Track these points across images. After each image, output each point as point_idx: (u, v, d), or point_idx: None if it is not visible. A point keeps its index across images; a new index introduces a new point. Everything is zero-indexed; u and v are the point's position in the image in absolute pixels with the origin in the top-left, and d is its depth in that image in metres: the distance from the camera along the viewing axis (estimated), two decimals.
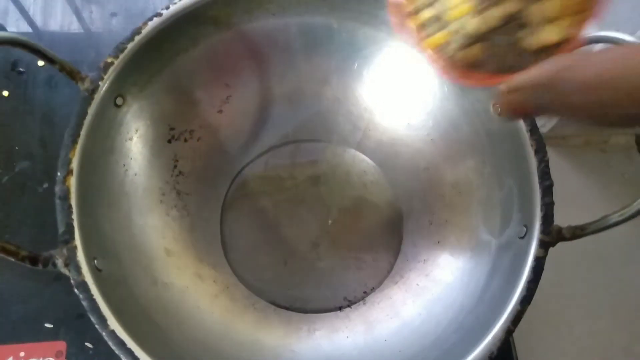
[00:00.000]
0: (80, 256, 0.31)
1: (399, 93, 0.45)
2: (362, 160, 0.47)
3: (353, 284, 0.43)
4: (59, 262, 0.31)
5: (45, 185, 0.50)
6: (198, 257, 0.41)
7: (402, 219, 0.45)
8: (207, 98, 0.43)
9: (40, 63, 0.55)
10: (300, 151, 0.47)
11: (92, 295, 0.30)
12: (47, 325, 0.45)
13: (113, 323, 0.30)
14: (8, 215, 0.49)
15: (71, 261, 0.31)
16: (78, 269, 0.31)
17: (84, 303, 0.30)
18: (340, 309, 0.42)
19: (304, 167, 0.47)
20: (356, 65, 0.45)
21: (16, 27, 0.57)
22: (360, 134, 0.47)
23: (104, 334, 0.30)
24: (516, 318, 0.32)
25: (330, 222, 0.44)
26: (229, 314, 0.39)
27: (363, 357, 0.37)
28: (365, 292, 0.42)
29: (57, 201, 0.32)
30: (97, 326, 0.30)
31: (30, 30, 0.57)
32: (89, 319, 0.44)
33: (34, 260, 0.30)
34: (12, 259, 0.29)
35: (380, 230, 0.45)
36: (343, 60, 0.45)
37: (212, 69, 0.43)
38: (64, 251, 0.31)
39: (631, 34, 0.48)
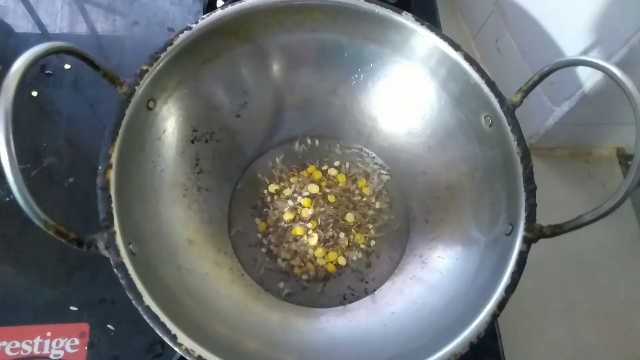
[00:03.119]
0: (119, 240, 0.35)
1: (400, 103, 0.49)
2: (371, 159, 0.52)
3: (358, 281, 0.47)
4: (101, 245, 0.34)
5: (71, 179, 0.53)
6: (216, 247, 0.45)
7: (408, 219, 0.50)
8: (227, 103, 0.48)
9: (67, 66, 0.59)
10: (307, 147, 0.52)
11: (129, 275, 0.34)
12: (72, 308, 0.48)
13: (147, 299, 0.34)
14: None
15: (111, 244, 0.34)
16: (117, 252, 0.34)
17: (122, 282, 0.34)
18: (344, 298, 0.46)
19: (310, 162, 0.51)
20: (362, 77, 0.49)
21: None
22: (364, 140, 0.51)
23: (140, 308, 0.34)
24: (501, 304, 0.36)
25: (336, 218, 0.48)
26: (244, 297, 0.43)
27: (365, 339, 0.41)
28: (367, 283, 0.47)
29: (99, 191, 0.36)
30: (133, 302, 0.34)
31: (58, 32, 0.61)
32: (111, 303, 0.49)
33: (80, 243, 0.33)
34: (63, 240, 0.33)
35: (388, 229, 0.49)
36: (350, 72, 0.49)
37: (232, 78, 0.47)
38: (105, 235, 0.35)
39: (606, 59, 0.53)
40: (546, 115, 0.71)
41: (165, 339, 0.33)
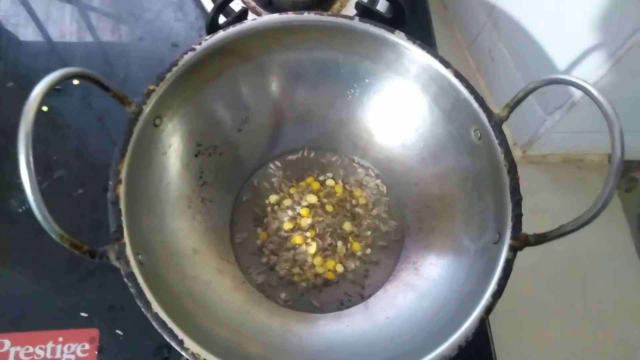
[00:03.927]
0: (129, 251, 0.37)
1: (394, 117, 0.51)
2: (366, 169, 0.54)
3: (355, 287, 0.49)
4: (112, 256, 0.37)
5: (80, 191, 0.56)
6: (219, 255, 0.47)
7: (403, 228, 0.52)
8: (229, 119, 0.50)
9: (76, 82, 0.62)
10: (306, 159, 0.54)
11: (138, 284, 0.36)
12: (82, 314, 0.50)
13: (156, 307, 0.36)
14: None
15: (121, 255, 0.37)
16: (127, 262, 0.37)
17: (132, 290, 0.36)
18: (342, 303, 0.48)
19: (309, 173, 0.53)
20: (358, 92, 0.52)
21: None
22: (360, 152, 0.54)
23: (149, 315, 0.36)
24: (488, 309, 0.38)
25: (334, 227, 0.51)
26: (246, 304, 0.45)
27: (360, 343, 0.43)
28: (363, 289, 0.49)
29: (110, 206, 0.38)
30: (143, 309, 0.36)
31: (68, 48, 0.64)
32: (119, 309, 0.51)
33: (92, 254, 0.36)
34: (77, 252, 0.35)
35: (383, 237, 0.52)
36: (347, 87, 0.51)
37: (233, 94, 0.49)
38: (116, 247, 0.37)
39: (594, 70, 0.55)
40: (539, 123, 0.73)
41: (173, 344, 0.35)
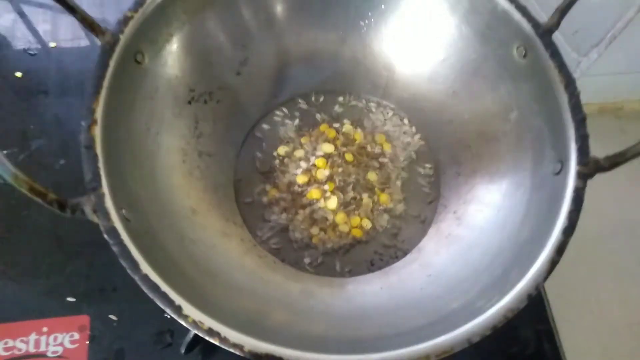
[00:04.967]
0: (109, 203, 0.30)
1: (417, 48, 0.44)
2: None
3: (386, 244, 0.42)
4: (87, 209, 0.30)
5: (62, 161, 0.49)
6: (224, 217, 0.40)
7: (438, 173, 0.44)
8: (225, 60, 0.43)
9: (53, 44, 0.55)
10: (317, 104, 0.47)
11: (122, 241, 0.29)
12: (69, 299, 0.44)
13: (145, 267, 0.29)
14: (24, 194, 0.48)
15: (99, 207, 0.30)
16: (107, 215, 0.29)
17: (115, 249, 0.29)
18: (372, 264, 0.41)
19: (322, 120, 0.46)
20: (373, 22, 0.44)
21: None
22: (380, 92, 0.46)
23: (136, 278, 0.29)
24: (560, 248, 0.31)
25: (357, 178, 0.43)
26: (258, 269, 0.37)
27: (400, 306, 0.36)
28: (396, 246, 0.41)
29: (83, 150, 0.31)
30: (129, 271, 0.29)
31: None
32: (111, 291, 0.44)
33: (62, 205, 0.29)
34: (39, 201, 0.28)
35: (415, 186, 0.45)
36: (359, 17, 0.44)
37: (229, 30, 0.42)
38: (92, 198, 0.30)
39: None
40: (572, 68, 0.65)
41: (169, 311, 0.28)
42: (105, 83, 0.33)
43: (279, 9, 0.43)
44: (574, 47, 0.65)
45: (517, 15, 0.37)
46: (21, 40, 0.55)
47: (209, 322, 0.28)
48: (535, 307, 0.46)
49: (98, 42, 0.34)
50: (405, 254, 0.41)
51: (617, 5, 0.57)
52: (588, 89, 0.72)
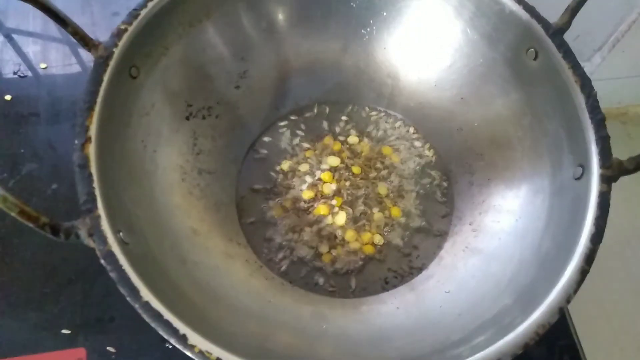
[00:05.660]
0: (105, 226, 0.28)
1: (422, 54, 0.43)
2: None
3: (400, 260, 0.40)
4: (82, 233, 0.27)
5: (54, 186, 0.47)
6: (226, 237, 0.38)
7: (450, 184, 0.42)
8: (224, 73, 0.41)
9: (43, 65, 0.53)
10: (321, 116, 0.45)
11: (120, 266, 0.27)
12: (64, 331, 0.41)
13: (146, 294, 0.26)
14: (16, 220, 0.46)
15: (95, 231, 0.27)
16: (103, 239, 0.27)
17: (112, 274, 0.27)
18: (386, 282, 0.38)
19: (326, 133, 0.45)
20: (375, 29, 0.43)
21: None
22: (385, 102, 0.45)
23: (136, 306, 0.26)
24: (589, 257, 0.29)
25: (366, 192, 0.41)
26: (266, 292, 0.35)
27: (419, 326, 0.33)
28: (411, 262, 0.39)
29: (76, 169, 0.29)
30: (128, 299, 0.27)
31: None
32: (109, 321, 0.41)
33: (55, 229, 0.26)
34: (31, 225, 0.26)
35: (427, 198, 0.43)
36: (360, 25, 0.43)
37: (227, 42, 0.41)
38: (87, 220, 0.28)
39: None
40: None
41: (173, 341, 0.26)
42: (99, 99, 0.31)
43: (278, 18, 0.42)
44: (576, 52, 0.63)
45: (525, 16, 0.36)
46: (10, 63, 0.53)
47: (217, 351, 0.26)
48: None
49: (89, 63, 0.33)
50: (420, 270, 0.39)
51: (619, 9, 0.56)
52: None
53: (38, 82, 0.53)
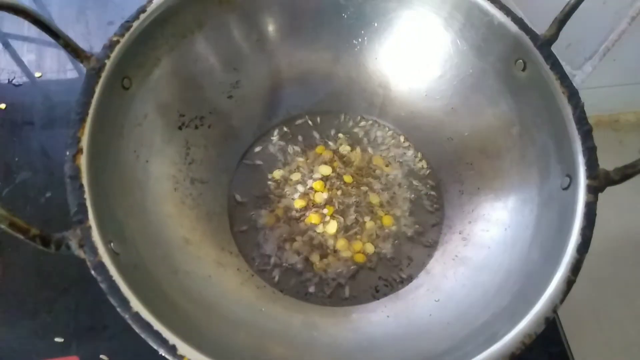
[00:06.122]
0: (96, 237, 0.28)
1: (413, 65, 0.43)
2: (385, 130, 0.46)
3: (391, 269, 0.40)
4: (73, 244, 0.28)
5: (48, 194, 0.47)
6: (218, 246, 0.38)
7: (440, 193, 0.43)
8: (216, 83, 0.42)
9: (38, 74, 0.54)
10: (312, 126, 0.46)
11: (111, 277, 0.27)
12: (57, 340, 0.41)
13: (136, 305, 0.27)
14: None
15: (86, 242, 0.28)
16: (94, 250, 0.28)
17: (103, 285, 0.27)
18: (377, 290, 0.39)
19: (317, 142, 0.45)
20: (366, 40, 0.44)
21: None
22: (377, 111, 0.45)
23: (126, 316, 0.27)
24: (575, 267, 0.29)
25: (357, 201, 0.41)
26: (257, 300, 0.35)
27: (410, 334, 0.34)
28: (401, 270, 0.39)
29: (68, 180, 0.29)
30: (118, 309, 0.27)
31: None
32: (102, 329, 0.42)
33: (45, 241, 0.27)
34: (21, 237, 0.26)
35: (418, 207, 0.43)
36: (352, 36, 0.43)
37: (219, 53, 0.41)
38: (78, 231, 0.28)
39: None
40: None
41: (162, 352, 0.26)
42: (91, 110, 0.32)
43: (270, 29, 0.42)
44: (567, 60, 0.64)
45: (514, 28, 0.36)
46: (4, 71, 0.54)
47: None
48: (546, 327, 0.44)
49: (85, 70, 0.33)
50: (411, 278, 0.39)
51: (609, 17, 0.57)
52: (584, 102, 0.71)
53: (33, 90, 0.53)
